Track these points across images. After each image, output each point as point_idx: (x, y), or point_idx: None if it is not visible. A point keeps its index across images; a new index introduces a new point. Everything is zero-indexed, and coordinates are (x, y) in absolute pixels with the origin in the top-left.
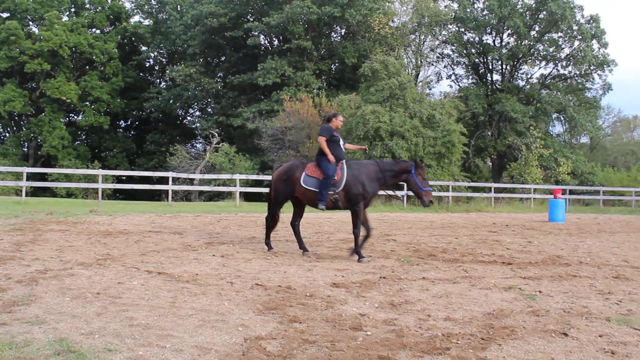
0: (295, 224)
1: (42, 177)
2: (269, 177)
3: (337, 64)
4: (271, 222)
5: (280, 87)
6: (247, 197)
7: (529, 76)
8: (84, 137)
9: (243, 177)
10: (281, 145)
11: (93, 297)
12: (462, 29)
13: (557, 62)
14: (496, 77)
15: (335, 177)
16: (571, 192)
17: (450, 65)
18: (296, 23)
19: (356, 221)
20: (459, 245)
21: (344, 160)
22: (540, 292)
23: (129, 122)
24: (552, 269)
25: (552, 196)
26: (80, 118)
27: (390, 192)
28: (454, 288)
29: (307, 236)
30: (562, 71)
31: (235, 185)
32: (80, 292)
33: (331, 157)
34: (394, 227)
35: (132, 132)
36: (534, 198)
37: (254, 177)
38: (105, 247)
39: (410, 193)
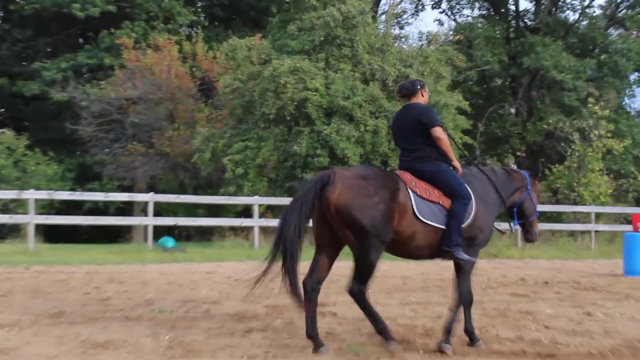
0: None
1: None
2: (116, 196)
3: None
4: (316, 288)
5: (116, 21)
6: (51, 234)
7: (585, 4)
8: None
9: (43, 195)
10: (119, 134)
11: None
12: None
13: None
14: (525, 4)
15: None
16: None
17: None
18: None
19: (469, 279)
20: (457, 320)
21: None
22: None
23: None
24: None
25: (630, 227)
26: None
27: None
28: None
29: (171, 308)
30: None
31: (26, 212)
32: None
33: (458, 165)
34: (335, 289)
35: None
36: (596, 231)
37: (65, 195)
38: None
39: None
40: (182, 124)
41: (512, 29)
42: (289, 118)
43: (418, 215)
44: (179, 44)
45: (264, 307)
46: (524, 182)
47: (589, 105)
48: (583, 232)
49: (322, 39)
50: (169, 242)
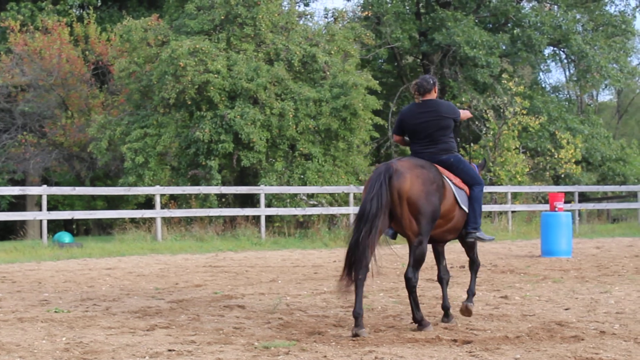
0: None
1: None
2: (6, 190)
3: None
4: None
5: (0, 2)
6: None
7: None
8: None
9: None
10: (7, 124)
11: None
12: None
13: None
14: None
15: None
16: (584, 199)
17: None
18: None
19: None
20: (370, 309)
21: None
22: None
23: None
24: (550, 349)
25: (547, 207)
26: None
27: None
28: None
29: (68, 308)
30: None
31: None
32: None
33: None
34: (243, 280)
35: None
36: (513, 211)
37: None
38: None
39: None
40: (76, 111)
41: (422, 4)
42: (189, 102)
43: (458, 201)
44: (70, 26)
45: (168, 302)
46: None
47: (503, 81)
48: (500, 213)
49: (222, 18)
50: (65, 237)
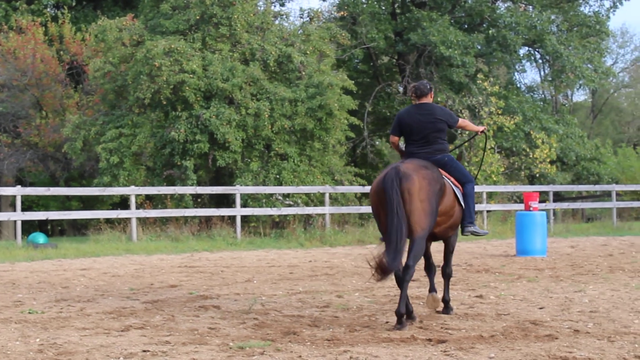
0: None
1: None
2: None
3: None
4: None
5: None
6: None
7: None
8: None
9: None
10: None
11: None
12: None
13: None
14: None
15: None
16: (558, 198)
17: None
18: None
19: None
20: (345, 308)
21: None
22: None
23: None
24: (524, 348)
25: (522, 206)
26: None
27: None
28: None
29: (42, 309)
30: None
31: None
32: None
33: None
34: (218, 280)
35: None
36: (488, 211)
37: None
38: None
39: None
40: (51, 111)
41: (397, 4)
42: (165, 102)
43: (458, 197)
44: (44, 25)
45: (143, 303)
46: None
47: (479, 81)
48: (475, 212)
49: (197, 17)
50: (39, 238)
